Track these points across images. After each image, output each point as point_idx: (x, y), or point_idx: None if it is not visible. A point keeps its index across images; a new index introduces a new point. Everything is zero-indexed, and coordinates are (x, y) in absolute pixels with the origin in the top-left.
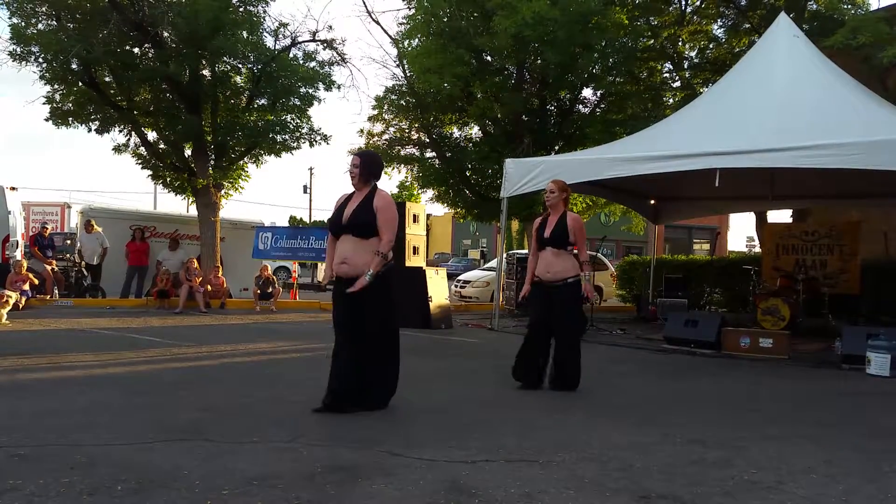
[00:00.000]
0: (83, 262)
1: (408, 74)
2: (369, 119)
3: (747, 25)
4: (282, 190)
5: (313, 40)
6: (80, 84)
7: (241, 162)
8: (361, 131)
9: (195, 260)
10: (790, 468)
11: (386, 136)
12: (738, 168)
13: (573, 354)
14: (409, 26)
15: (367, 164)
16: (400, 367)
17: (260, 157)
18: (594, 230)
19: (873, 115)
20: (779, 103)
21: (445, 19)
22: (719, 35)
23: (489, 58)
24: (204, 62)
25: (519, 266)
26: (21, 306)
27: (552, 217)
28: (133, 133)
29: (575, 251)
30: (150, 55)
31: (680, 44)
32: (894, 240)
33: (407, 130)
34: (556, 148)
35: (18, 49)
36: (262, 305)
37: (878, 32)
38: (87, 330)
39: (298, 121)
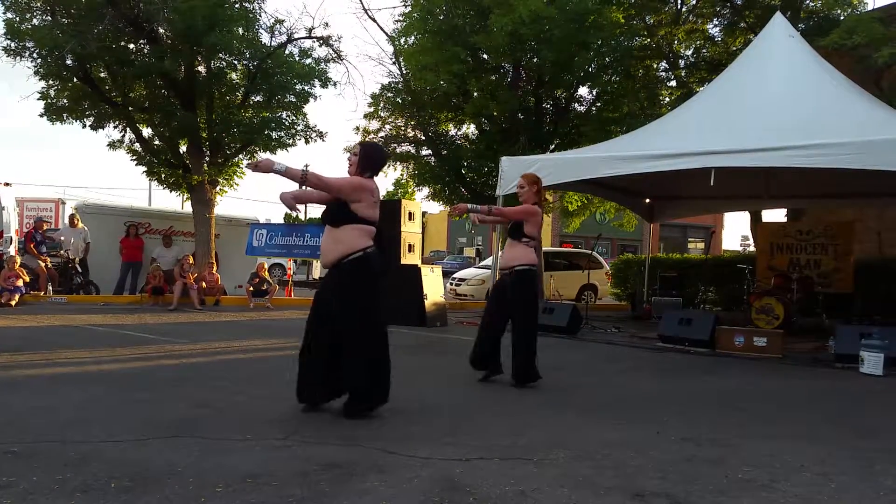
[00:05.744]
0: (76, 259)
1: (404, 72)
2: (365, 116)
3: (743, 25)
4: (277, 187)
5: (309, 37)
6: (75, 80)
7: (237, 158)
8: (357, 128)
9: (190, 256)
10: (783, 466)
11: (382, 134)
12: (733, 167)
13: (525, 346)
14: (405, 24)
15: (366, 156)
16: (391, 365)
17: (255, 154)
18: (590, 229)
19: (867, 115)
20: (774, 103)
21: (442, 17)
22: (715, 34)
23: (485, 56)
24: (199, 58)
25: None
26: (14, 303)
27: None
28: (128, 129)
29: (531, 243)
30: (146, 51)
31: (676, 43)
32: (888, 239)
33: (403, 128)
34: (552, 146)
35: (13, 44)
36: (257, 302)
37: (873, 33)
38: (81, 326)
39: (294, 118)
